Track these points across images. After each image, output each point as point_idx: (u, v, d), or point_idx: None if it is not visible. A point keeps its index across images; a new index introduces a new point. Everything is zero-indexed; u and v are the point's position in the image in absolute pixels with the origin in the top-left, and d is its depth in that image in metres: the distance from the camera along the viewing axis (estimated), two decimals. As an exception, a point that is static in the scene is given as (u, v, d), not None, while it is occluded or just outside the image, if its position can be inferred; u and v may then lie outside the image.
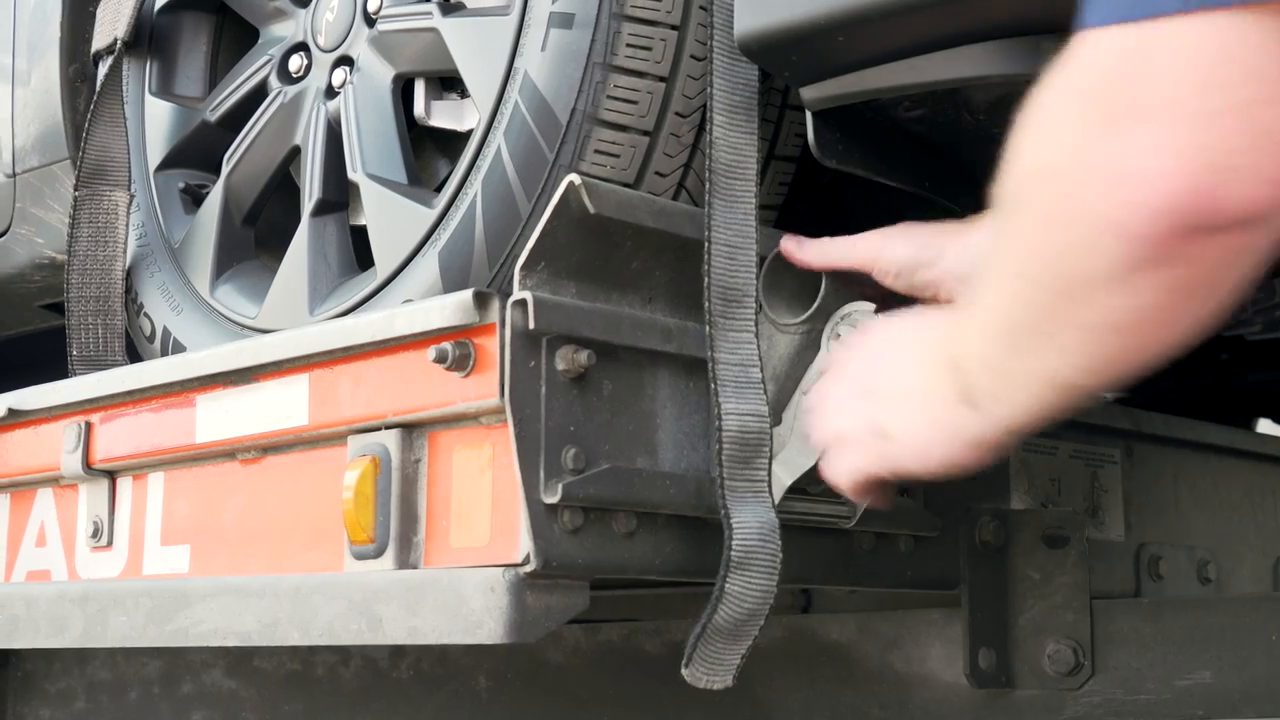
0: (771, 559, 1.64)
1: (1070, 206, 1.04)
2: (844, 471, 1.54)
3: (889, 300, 1.64)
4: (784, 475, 1.67)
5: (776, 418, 1.67)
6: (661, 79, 1.84)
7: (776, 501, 1.65)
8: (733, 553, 1.62)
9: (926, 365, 1.40)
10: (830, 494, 1.63)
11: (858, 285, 1.67)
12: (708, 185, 1.69)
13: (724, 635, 1.63)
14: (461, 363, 1.63)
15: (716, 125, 1.71)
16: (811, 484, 1.69)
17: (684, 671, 1.64)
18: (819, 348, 1.67)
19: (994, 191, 1.19)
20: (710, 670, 1.65)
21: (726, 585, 1.62)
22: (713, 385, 1.63)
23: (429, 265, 1.97)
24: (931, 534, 1.98)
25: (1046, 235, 1.09)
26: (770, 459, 1.65)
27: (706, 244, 1.66)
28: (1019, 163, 1.12)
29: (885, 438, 1.47)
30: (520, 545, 1.59)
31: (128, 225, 2.47)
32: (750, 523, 1.63)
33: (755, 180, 1.72)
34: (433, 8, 2.08)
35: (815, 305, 1.65)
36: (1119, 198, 0.99)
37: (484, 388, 1.62)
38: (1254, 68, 0.93)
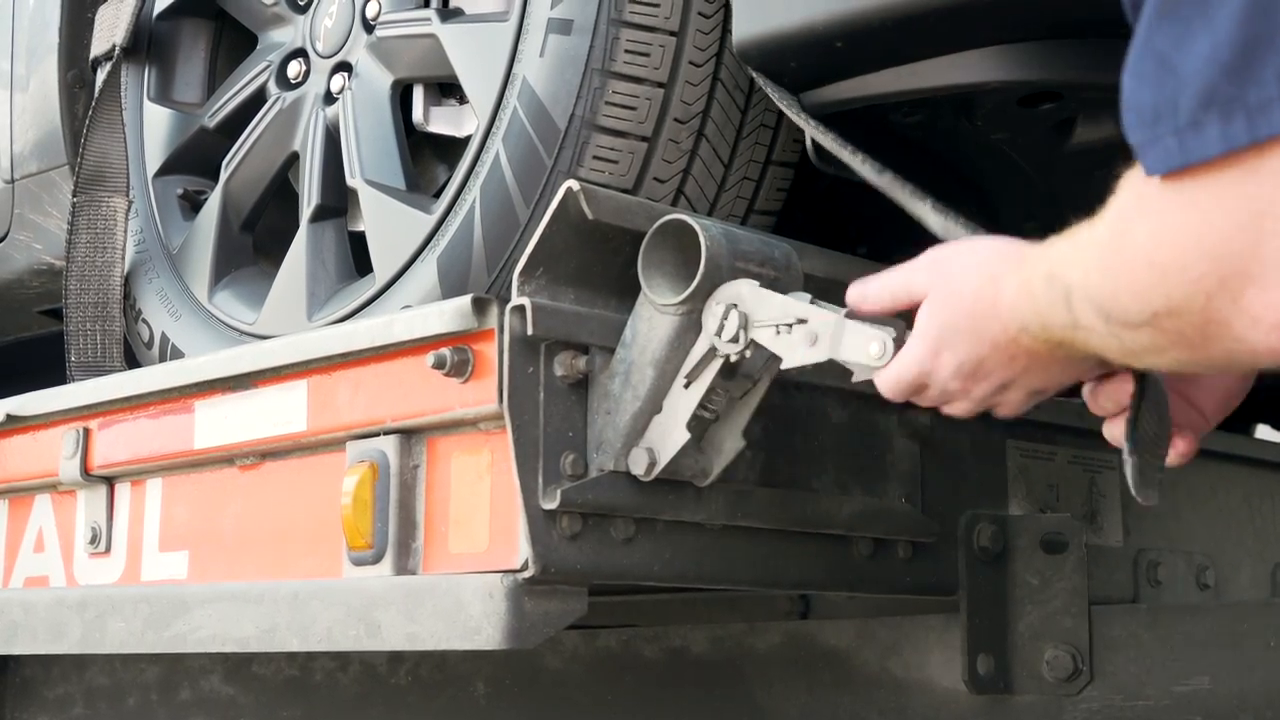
0: None
1: (1211, 335, 1.08)
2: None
3: (774, 285, 1.60)
4: (660, 457, 1.62)
5: (657, 405, 1.63)
6: (660, 85, 1.84)
7: (646, 477, 1.62)
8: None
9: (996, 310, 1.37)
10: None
11: (741, 260, 1.60)
12: None
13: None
14: (460, 368, 1.63)
15: None
16: (698, 476, 1.67)
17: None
18: (699, 329, 1.59)
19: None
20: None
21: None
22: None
23: (427, 271, 1.97)
24: (930, 540, 1.98)
25: (1180, 345, 1.12)
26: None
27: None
28: (1142, 300, 1.12)
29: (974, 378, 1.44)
30: (519, 551, 1.59)
31: (126, 231, 2.47)
32: None
33: None
34: (431, 14, 2.08)
35: (694, 284, 1.57)
36: (1270, 341, 1.05)
37: (482, 393, 1.62)
38: None
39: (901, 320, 1.52)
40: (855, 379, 1.52)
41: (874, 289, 1.52)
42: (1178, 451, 1.50)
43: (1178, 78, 0.99)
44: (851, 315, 1.52)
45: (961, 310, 1.41)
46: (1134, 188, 1.12)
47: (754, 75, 1.73)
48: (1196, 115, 0.98)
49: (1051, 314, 1.28)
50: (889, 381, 1.49)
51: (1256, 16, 0.94)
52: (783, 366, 1.57)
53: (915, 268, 1.47)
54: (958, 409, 1.50)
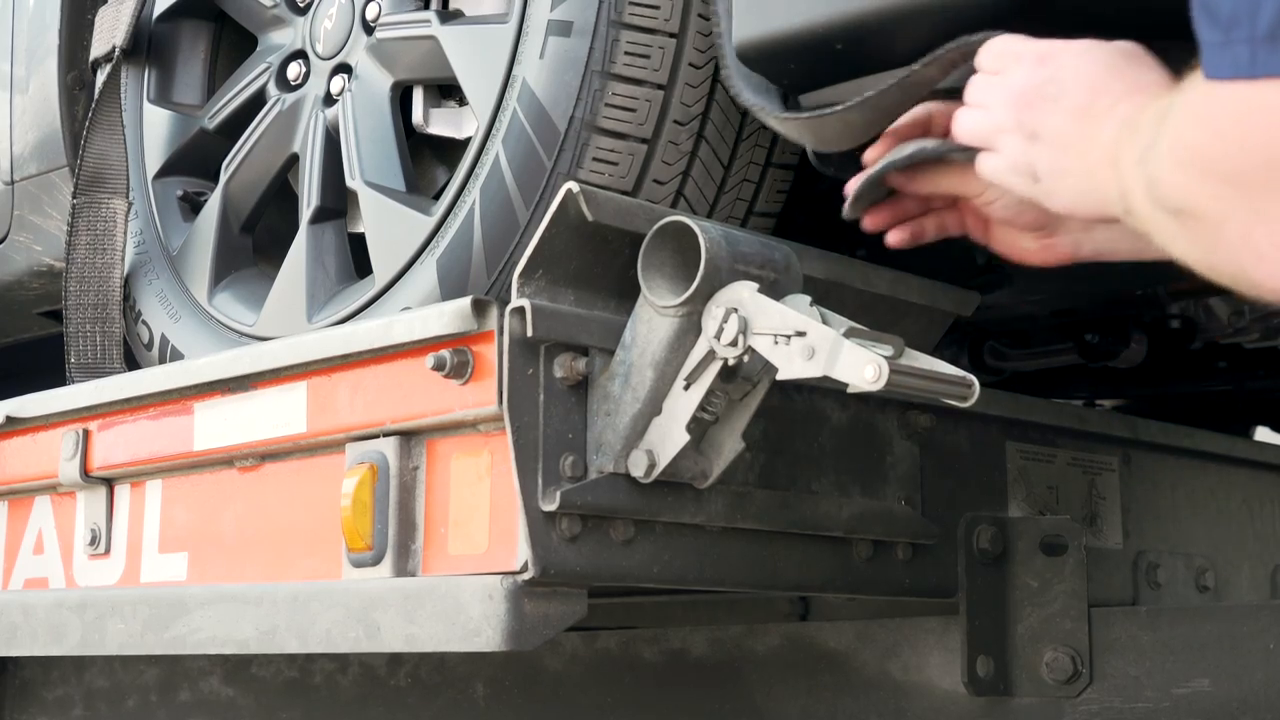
0: None
1: (1249, 273, 1.07)
2: (989, 169, 1.45)
3: (774, 287, 1.60)
4: (660, 458, 1.62)
5: (657, 406, 1.63)
6: (660, 87, 1.84)
7: (646, 479, 1.62)
8: None
9: (1096, 134, 1.32)
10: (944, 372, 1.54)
11: (741, 262, 1.61)
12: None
13: None
14: (459, 370, 1.63)
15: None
16: (697, 478, 1.68)
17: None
18: (699, 331, 1.60)
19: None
20: None
21: None
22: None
23: (427, 273, 1.97)
24: (929, 542, 1.98)
25: (1206, 250, 1.11)
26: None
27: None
28: (1189, 181, 1.10)
29: (1035, 178, 1.40)
30: (518, 553, 1.59)
31: (126, 233, 2.47)
32: None
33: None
34: (431, 15, 2.08)
35: (694, 286, 1.57)
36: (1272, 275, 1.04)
37: (482, 395, 1.62)
38: None
39: (900, 338, 1.53)
40: (850, 390, 1.52)
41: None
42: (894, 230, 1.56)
43: None
44: (851, 332, 1.52)
45: (1084, 85, 1.35)
46: (1195, 81, 1.09)
47: (731, 88, 1.72)
48: (1276, 29, 0.95)
49: (1139, 143, 1.23)
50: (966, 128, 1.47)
51: None
52: (778, 377, 1.57)
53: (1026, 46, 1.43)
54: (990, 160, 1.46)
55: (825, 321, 1.55)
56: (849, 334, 1.52)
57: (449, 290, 1.93)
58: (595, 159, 1.84)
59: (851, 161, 1.74)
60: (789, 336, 1.55)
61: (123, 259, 2.47)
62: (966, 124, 1.48)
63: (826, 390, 1.84)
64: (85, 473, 2.16)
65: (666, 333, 1.61)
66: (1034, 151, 1.39)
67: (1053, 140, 1.37)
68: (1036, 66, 1.40)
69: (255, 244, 2.42)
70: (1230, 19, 0.98)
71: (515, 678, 2.38)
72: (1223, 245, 1.07)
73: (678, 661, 2.25)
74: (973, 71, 1.48)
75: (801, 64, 1.64)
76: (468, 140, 1.99)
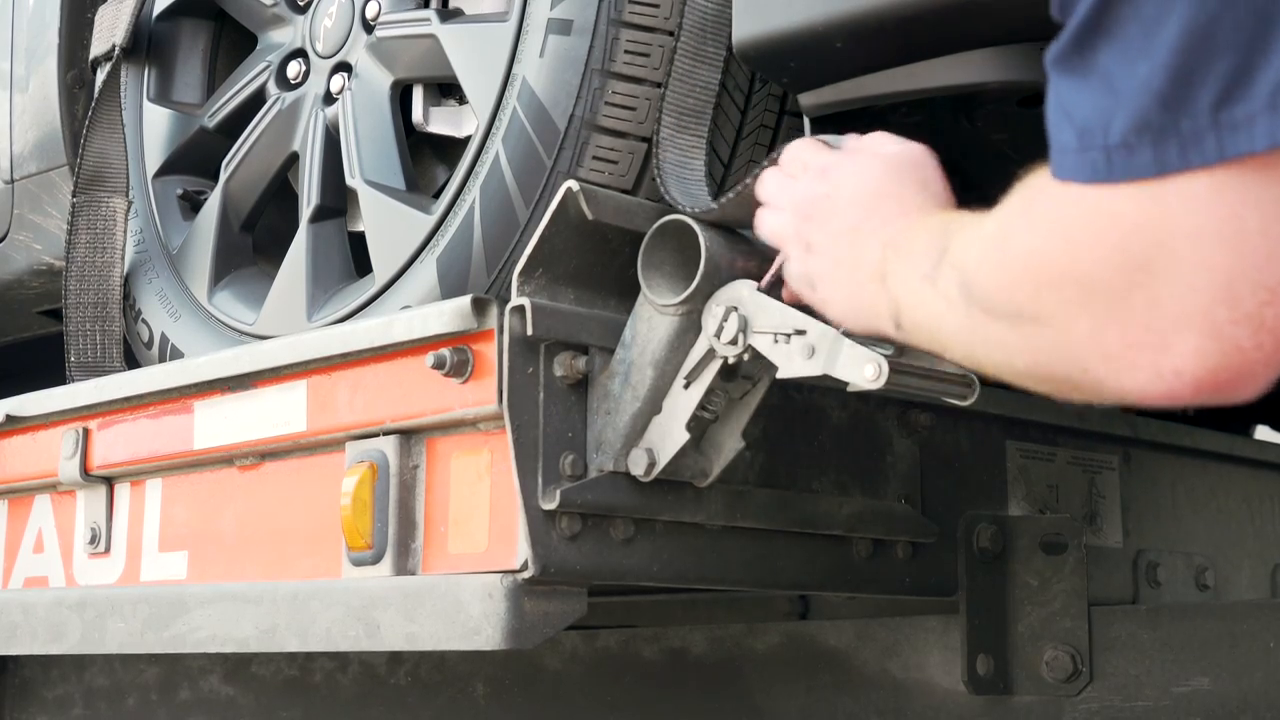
0: None
1: (1065, 358, 1.06)
2: (786, 270, 1.50)
3: (774, 286, 1.60)
4: (660, 457, 1.62)
5: (657, 405, 1.63)
6: (660, 85, 1.84)
7: (646, 478, 1.63)
8: None
9: (863, 254, 1.35)
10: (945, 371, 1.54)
11: (741, 261, 1.61)
12: (661, 186, 1.69)
13: None
14: (459, 369, 1.63)
15: (664, 126, 1.73)
16: (697, 477, 1.68)
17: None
18: (699, 330, 1.60)
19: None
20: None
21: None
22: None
23: (427, 271, 1.97)
24: (929, 540, 1.98)
25: (1037, 363, 1.10)
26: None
27: (656, 160, 1.67)
28: (1011, 297, 1.09)
29: (812, 287, 1.44)
30: (518, 551, 1.59)
31: (126, 231, 2.47)
32: None
33: (704, 184, 1.72)
34: (431, 14, 2.08)
35: (694, 285, 1.58)
36: (1121, 385, 1.02)
37: (482, 394, 1.62)
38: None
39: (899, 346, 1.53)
40: (850, 388, 1.52)
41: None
42: None
43: (1115, 96, 0.97)
44: (850, 332, 1.52)
45: (853, 208, 1.39)
46: (1036, 186, 1.10)
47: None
48: (1129, 137, 0.97)
49: (914, 265, 1.26)
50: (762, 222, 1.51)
51: (1193, 47, 0.93)
52: (778, 376, 1.57)
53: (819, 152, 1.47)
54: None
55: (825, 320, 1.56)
56: (849, 332, 1.52)
57: (449, 289, 1.93)
58: (595, 157, 1.84)
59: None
60: (789, 335, 1.55)
61: (122, 258, 2.47)
62: (763, 224, 1.53)
63: (826, 389, 1.83)
64: (85, 471, 2.16)
65: (666, 331, 1.61)
66: (811, 262, 1.45)
67: (825, 255, 1.42)
68: (818, 179, 1.45)
69: (255, 243, 2.42)
70: (1084, 126, 0.99)
71: (515, 676, 2.38)
72: (1067, 347, 1.05)
73: (678, 660, 2.25)
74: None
75: (801, 63, 1.64)
76: (467, 139, 1.99)
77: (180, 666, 2.78)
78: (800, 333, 1.54)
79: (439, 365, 1.63)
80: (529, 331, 1.59)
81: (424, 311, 1.69)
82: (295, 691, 2.62)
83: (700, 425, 1.64)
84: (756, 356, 1.58)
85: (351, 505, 1.71)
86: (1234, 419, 3.33)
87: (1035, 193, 1.09)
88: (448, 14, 2.09)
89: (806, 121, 1.74)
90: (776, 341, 1.55)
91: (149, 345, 2.42)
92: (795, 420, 1.85)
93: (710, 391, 1.62)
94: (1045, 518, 2.11)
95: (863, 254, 1.36)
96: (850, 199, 1.41)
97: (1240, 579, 2.63)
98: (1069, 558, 1.99)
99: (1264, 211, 0.93)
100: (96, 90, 2.51)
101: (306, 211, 2.22)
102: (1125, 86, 0.96)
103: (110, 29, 2.52)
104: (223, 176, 2.39)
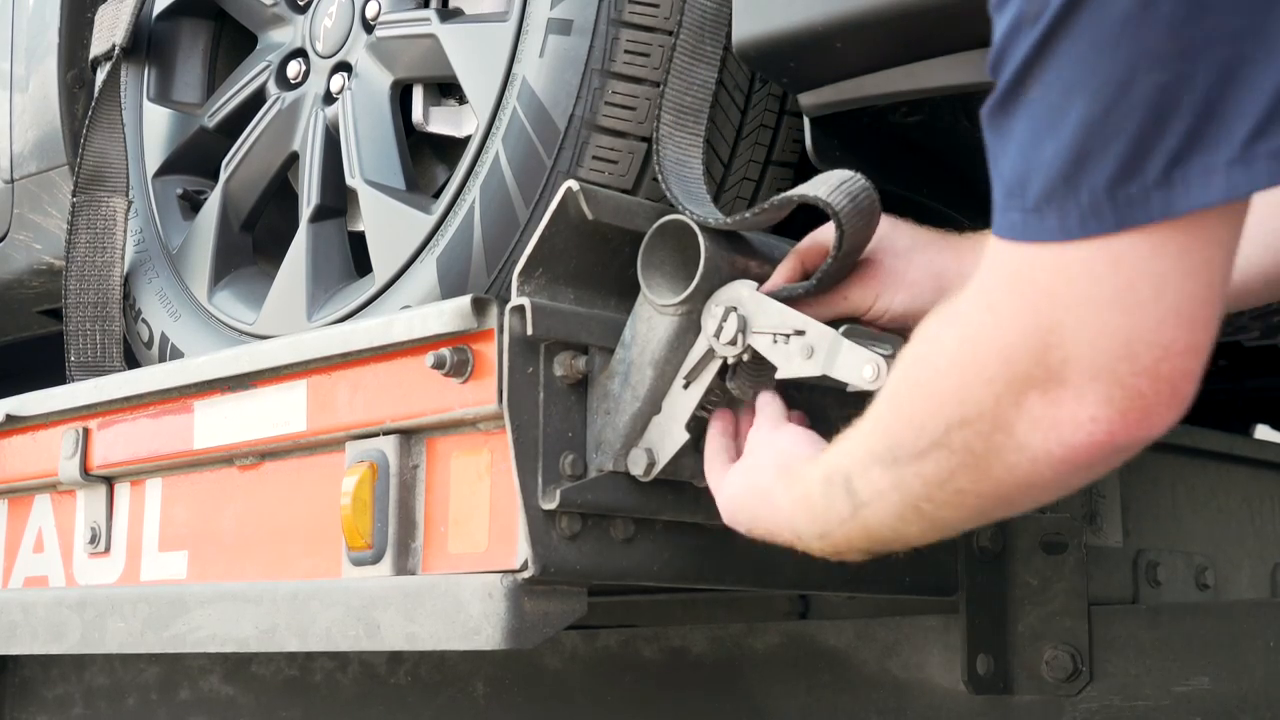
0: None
1: (1000, 446, 1.13)
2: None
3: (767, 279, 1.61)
4: (659, 457, 1.63)
5: (656, 405, 1.63)
6: (659, 85, 1.84)
7: (645, 477, 1.64)
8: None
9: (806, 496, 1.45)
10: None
11: (741, 261, 1.62)
12: (662, 183, 1.69)
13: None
14: (459, 369, 1.63)
15: (663, 124, 1.72)
16: (697, 476, 1.68)
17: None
18: (698, 330, 1.60)
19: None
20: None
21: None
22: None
23: (427, 271, 1.97)
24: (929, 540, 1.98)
25: (966, 465, 1.17)
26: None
27: (656, 157, 1.67)
28: (938, 408, 1.17)
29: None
30: (518, 551, 1.59)
31: (125, 231, 2.47)
32: None
33: (702, 181, 1.72)
34: (431, 14, 2.08)
35: (693, 285, 1.58)
36: (1047, 445, 1.10)
37: (482, 394, 1.62)
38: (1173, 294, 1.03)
39: (900, 338, 1.53)
40: (850, 389, 1.52)
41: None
42: None
43: (1028, 165, 1.05)
44: (850, 332, 1.52)
45: (750, 505, 1.53)
46: (936, 313, 1.19)
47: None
48: (1039, 205, 1.04)
49: (831, 511, 1.37)
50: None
51: (1092, 131, 1.01)
52: (777, 376, 1.57)
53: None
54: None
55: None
56: (848, 333, 1.52)
57: (449, 288, 1.93)
58: (595, 157, 1.84)
59: (851, 160, 1.74)
60: (788, 335, 1.55)
61: (122, 257, 2.47)
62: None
63: (826, 389, 1.83)
64: (85, 471, 2.16)
65: (666, 331, 1.61)
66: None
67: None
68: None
69: (255, 242, 2.42)
70: (1008, 186, 1.08)
71: (515, 676, 2.38)
72: (995, 432, 1.13)
73: (678, 660, 2.26)
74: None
75: (801, 63, 1.64)
76: (467, 139, 1.99)
77: (180, 666, 2.78)
78: (800, 333, 1.54)
79: (439, 365, 1.63)
80: (529, 331, 1.59)
81: (424, 311, 1.69)
82: (295, 691, 2.62)
83: (700, 425, 1.64)
84: (755, 357, 1.58)
85: (351, 505, 1.71)
86: (1234, 419, 3.33)
87: (933, 319, 1.20)
88: (448, 14, 2.09)
89: (806, 121, 1.74)
90: (776, 342, 1.56)
91: (149, 345, 2.42)
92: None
93: (710, 391, 1.62)
94: (1045, 517, 2.11)
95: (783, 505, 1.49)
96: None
97: (1240, 579, 2.63)
98: (1069, 557, 1.99)
99: (1155, 280, 1.02)
100: (96, 90, 2.51)
101: (306, 211, 2.22)
102: (1035, 157, 1.04)
103: (110, 29, 2.52)
104: (223, 176, 2.39)
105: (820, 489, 1.38)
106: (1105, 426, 1.07)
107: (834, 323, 1.55)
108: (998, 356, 1.10)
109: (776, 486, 1.49)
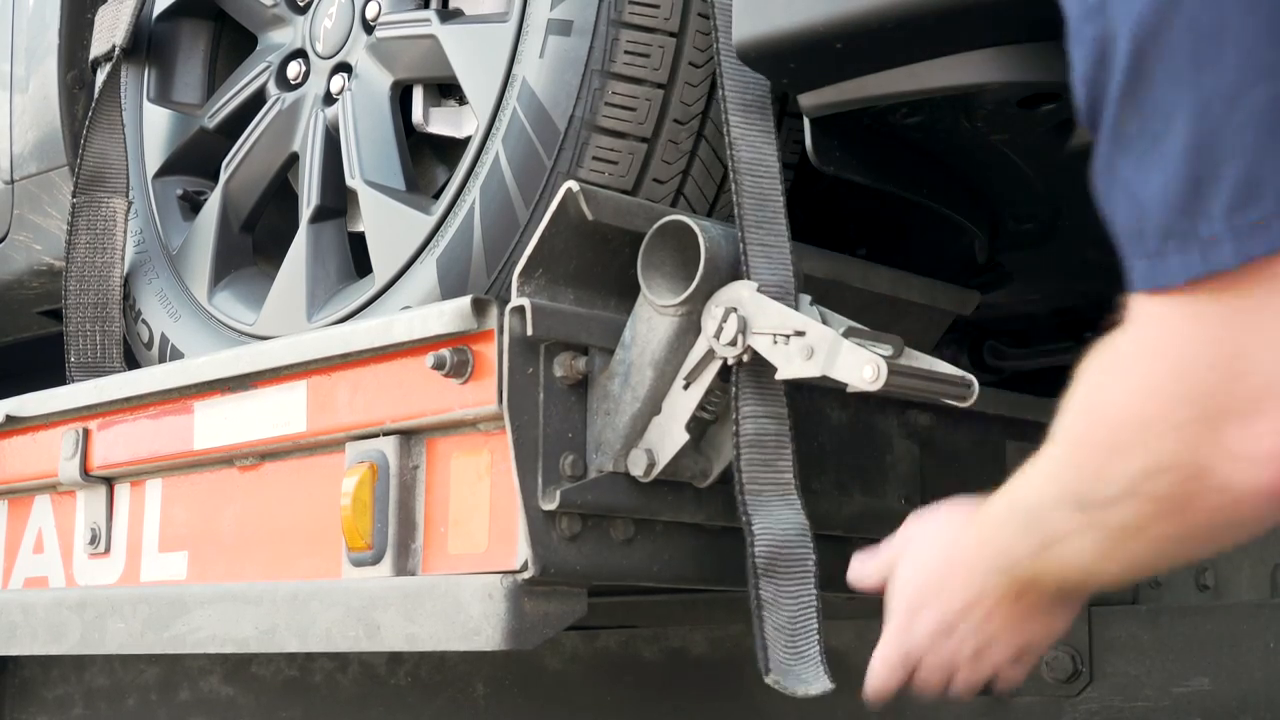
0: (803, 562, 1.62)
1: (1199, 489, 1.08)
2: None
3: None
4: (659, 457, 1.63)
5: (657, 406, 1.63)
6: (660, 86, 1.84)
7: (646, 478, 1.63)
8: (756, 559, 1.61)
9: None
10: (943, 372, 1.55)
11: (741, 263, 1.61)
12: (734, 186, 1.66)
13: (783, 643, 1.61)
14: (460, 369, 1.63)
15: (734, 126, 1.68)
16: (697, 477, 1.68)
17: (767, 679, 1.60)
18: (698, 330, 1.60)
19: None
20: (794, 677, 1.60)
21: (760, 593, 1.60)
22: (734, 389, 1.62)
23: (427, 272, 1.97)
24: (929, 541, 1.98)
25: (1163, 511, 1.12)
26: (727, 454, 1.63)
27: (741, 245, 1.62)
28: (1124, 461, 1.12)
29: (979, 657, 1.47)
30: (518, 552, 1.59)
31: (126, 232, 2.47)
32: (773, 527, 1.61)
33: (780, 177, 1.70)
34: (431, 14, 2.08)
35: (693, 286, 1.58)
36: (1254, 478, 1.05)
37: (482, 394, 1.62)
38: None
39: (899, 338, 1.53)
40: (850, 389, 1.52)
41: (869, 570, 1.54)
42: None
43: (1140, 207, 1.02)
44: (850, 332, 1.52)
45: (929, 571, 1.44)
46: (1098, 360, 1.15)
47: None
48: (1160, 245, 1.01)
49: (1017, 545, 1.30)
50: (878, 675, 1.51)
51: (1201, 155, 0.96)
52: (777, 377, 1.58)
53: (897, 543, 1.50)
54: (956, 681, 1.51)
55: (825, 321, 1.56)
56: (848, 333, 1.52)
57: (449, 289, 1.93)
58: (595, 158, 1.84)
59: (851, 160, 1.74)
60: (788, 336, 1.55)
61: (122, 258, 2.47)
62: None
63: (826, 389, 1.84)
64: (85, 472, 2.16)
65: (666, 332, 1.61)
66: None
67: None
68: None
69: (255, 243, 2.42)
70: (1128, 237, 1.04)
71: (515, 677, 2.38)
72: (1195, 477, 1.08)
73: (678, 660, 2.25)
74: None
75: (801, 63, 1.64)
76: (467, 139, 1.99)
77: (180, 667, 2.79)
78: (799, 334, 1.54)
79: (439, 366, 1.63)
80: (529, 332, 1.59)
81: (424, 312, 1.69)
82: (295, 692, 2.62)
83: (700, 426, 1.64)
84: (756, 358, 1.58)
85: (351, 505, 1.71)
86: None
87: (1098, 366, 1.14)
88: (448, 14, 2.09)
89: (806, 122, 1.74)
90: (776, 342, 1.56)
91: (149, 345, 2.42)
92: (795, 421, 1.85)
93: (710, 392, 1.62)
94: (1045, 518, 2.10)
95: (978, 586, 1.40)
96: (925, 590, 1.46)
97: (1240, 579, 2.62)
98: (1069, 558, 1.98)
99: None
100: (96, 90, 2.51)
101: (306, 212, 2.22)
102: (1146, 197, 1.00)
103: (110, 29, 2.53)
104: (223, 177, 2.39)
105: (1004, 517, 1.31)
106: None
107: None
108: (1184, 400, 1.06)
109: (961, 525, 1.41)
